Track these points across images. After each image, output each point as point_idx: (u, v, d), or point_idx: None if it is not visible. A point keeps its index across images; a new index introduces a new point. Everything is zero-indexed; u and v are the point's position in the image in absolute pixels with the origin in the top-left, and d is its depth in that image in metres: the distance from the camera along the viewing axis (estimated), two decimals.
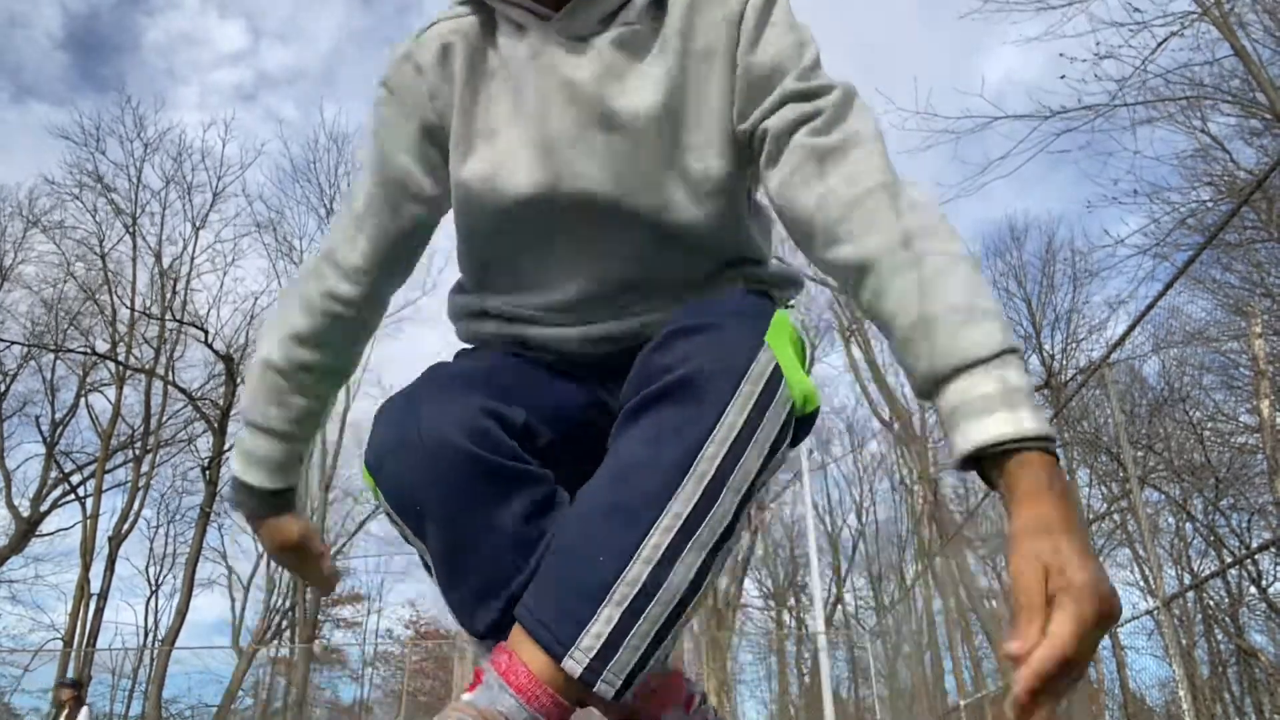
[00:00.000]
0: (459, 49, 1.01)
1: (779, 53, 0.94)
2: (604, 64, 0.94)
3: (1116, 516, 20.47)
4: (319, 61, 38.47)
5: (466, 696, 0.83)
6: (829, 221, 0.87)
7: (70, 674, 17.73)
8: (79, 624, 18.54)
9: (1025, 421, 0.76)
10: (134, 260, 20.87)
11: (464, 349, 1.16)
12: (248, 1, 34.52)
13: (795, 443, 0.94)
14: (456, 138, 1.00)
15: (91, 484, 20.44)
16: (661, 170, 0.95)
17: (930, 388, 0.78)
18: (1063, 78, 10.84)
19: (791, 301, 1.22)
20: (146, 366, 20.63)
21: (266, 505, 1.09)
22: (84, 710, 9.32)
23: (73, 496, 21.29)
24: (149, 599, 25.38)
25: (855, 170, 0.87)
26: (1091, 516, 21.22)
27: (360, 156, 1.08)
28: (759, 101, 0.94)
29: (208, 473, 20.26)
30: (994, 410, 0.74)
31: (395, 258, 1.11)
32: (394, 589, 37.59)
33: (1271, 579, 15.38)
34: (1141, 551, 19.79)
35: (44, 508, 20.92)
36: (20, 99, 34.10)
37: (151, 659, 19.95)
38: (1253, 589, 15.54)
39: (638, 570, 0.80)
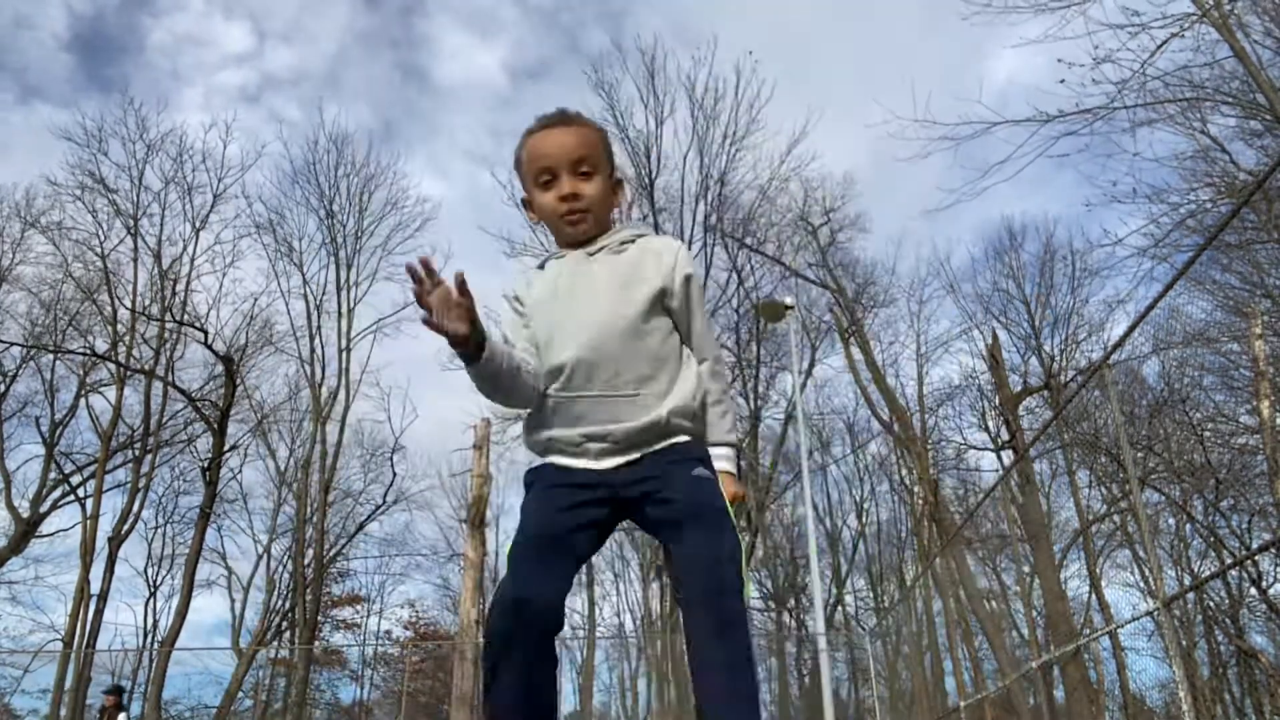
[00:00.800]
0: (530, 278, 1.89)
1: (679, 280, 1.80)
2: (608, 268, 1.79)
3: (1116, 518, 20.47)
4: (323, 62, 38.47)
5: None
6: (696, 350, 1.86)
7: (68, 677, 17.75)
8: (79, 625, 18.52)
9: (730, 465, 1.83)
10: (134, 261, 20.87)
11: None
12: (252, 2, 34.54)
13: None
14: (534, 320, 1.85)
15: (91, 485, 20.43)
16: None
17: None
18: (1062, 81, 10.84)
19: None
20: (146, 367, 20.62)
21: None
22: (122, 716, 9.44)
23: (72, 497, 21.29)
24: (148, 600, 25.40)
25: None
26: (1091, 517, 21.24)
27: (503, 316, 1.90)
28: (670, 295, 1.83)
29: (207, 473, 20.24)
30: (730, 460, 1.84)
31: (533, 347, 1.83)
32: (394, 590, 37.64)
33: (1272, 580, 15.37)
34: (1141, 552, 19.79)
35: (44, 508, 20.91)
36: (25, 100, 34.10)
37: (151, 660, 19.94)
38: (1253, 590, 15.53)
39: None
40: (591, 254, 1.77)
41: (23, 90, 33.08)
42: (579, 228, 1.76)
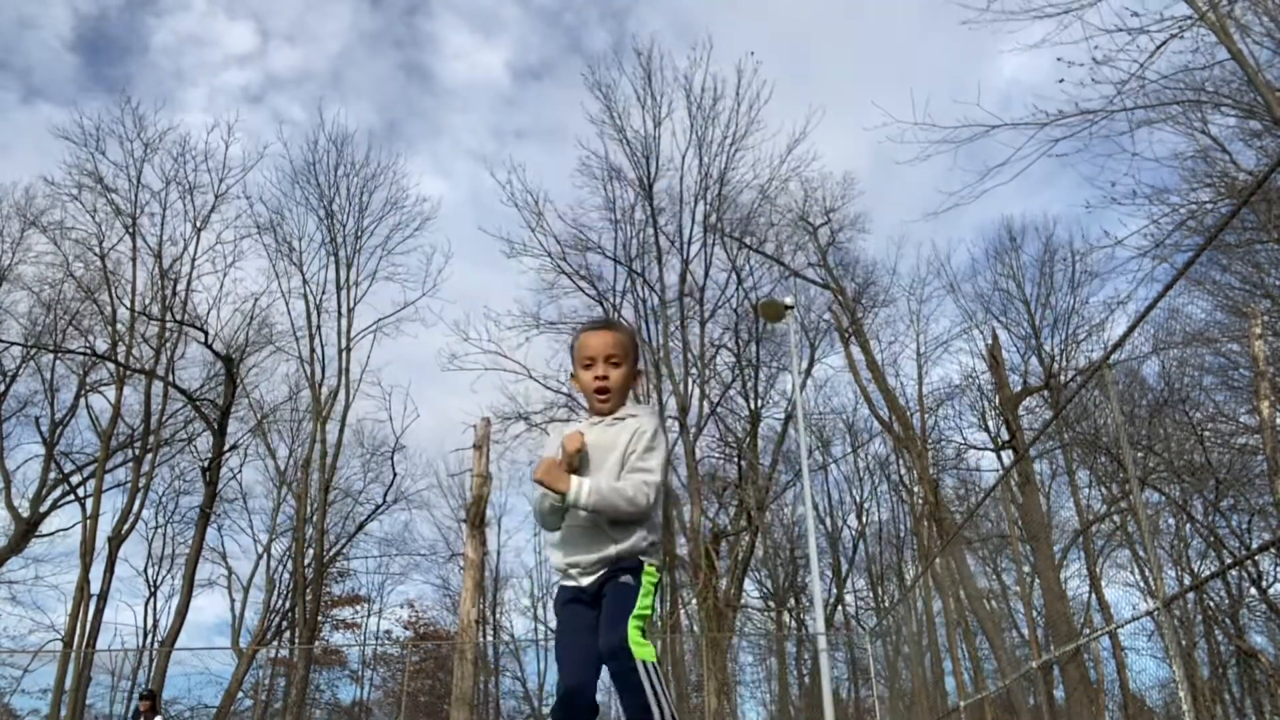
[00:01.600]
0: (559, 429, 2.53)
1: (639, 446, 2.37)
2: (609, 433, 2.41)
3: (1116, 517, 20.47)
4: (327, 62, 38.46)
5: None
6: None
7: (68, 677, 17.74)
8: (79, 625, 18.52)
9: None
10: (134, 261, 20.88)
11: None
12: (256, 2, 34.50)
13: None
14: None
15: (91, 484, 20.43)
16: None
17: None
18: (1061, 81, 10.84)
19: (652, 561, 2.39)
20: (146, 367, 20.63)
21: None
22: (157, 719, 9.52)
23: (72, 497, 21.29)
24: (148, 599, 25.41)
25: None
26: (1091, 517, 21.25)
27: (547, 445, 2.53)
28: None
29: (207, 473, 20.25)
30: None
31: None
32: (394, 590, 37.64)
33: (1271, 580, 15.39)
34: (1141, 552, 19.80)
35: (44, 508, 20.91)
36: (29, 100, 34.11)
37: (151, 660, 19.95)
38: (1253, 590, 15.55)
39: None
40: (595, 424, 2.46)
41: (27, 90, 33.10)
42: (605, 405, 2.48)
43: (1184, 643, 15.92)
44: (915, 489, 22.78)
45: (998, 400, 20.61)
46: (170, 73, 33.20)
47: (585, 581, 2.34)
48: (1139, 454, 15.11)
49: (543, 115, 43.63)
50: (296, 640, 20.11)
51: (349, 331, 21.53)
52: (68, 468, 21.59)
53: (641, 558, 2.35)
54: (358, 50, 38.76)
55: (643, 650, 2.18)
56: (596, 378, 2.47)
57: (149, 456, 20.87)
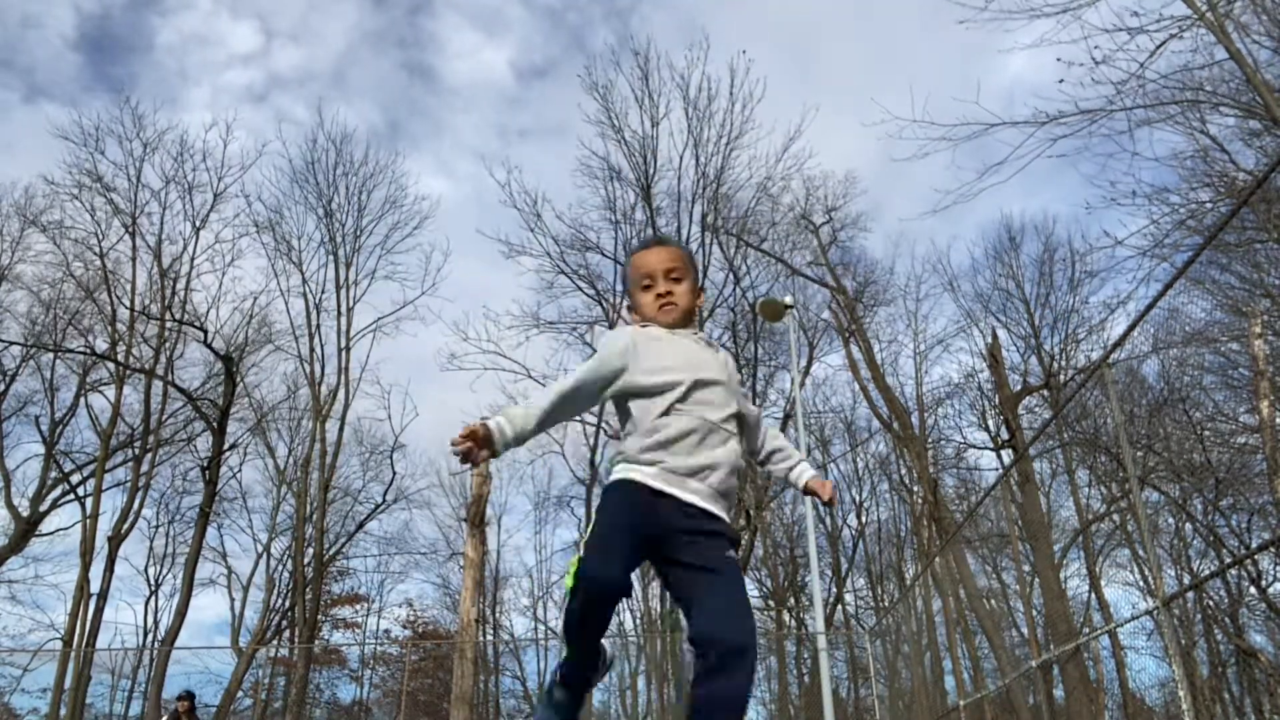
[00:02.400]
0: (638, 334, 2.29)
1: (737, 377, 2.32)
2: (708, 352, 2.26)
3: (1116, 516, 20.48)
4: (330, 62, 38.43)
5: None
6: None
7: (68, 676, 17.74)
8: (79, 624, 18.52)
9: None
10: (133, 260, 20.88)
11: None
12: (260, 2, 34.44)
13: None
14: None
15: (91, 484, 20.43)
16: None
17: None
18: (1061, 81, 10.85)
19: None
20: (146, 366, 20.63)
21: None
22: None
23: (72, 496, 21.29)
24: (148, 599, 25.42)
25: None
26: (1091, 516, 21.25)
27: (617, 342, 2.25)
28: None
29: (207, 472, 20.24)
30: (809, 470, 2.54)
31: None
32: (393, 589, 37.66)
33: (1271, 579, 15.39)
34: (1141, 551, 19.80)
35: (43, 507, 20.91)
36: (32, 99, 34.10)
37: (151, 659, 19.94)
38: (1252, 589, 15.55)
39: None
40: (677, 334, 2.25)
41: (29, 90, 33.07)
42: (669, 315, 2.25)
43: (1183, 642, 15.92)
44: (915, 488, 22.79)
45: (997, 399, 20.61)
46: (174, 72, 33.16)
47: (699, 501, 2.06)
48: (1139, 453, 15.12)
49: (546, 114, 43.65)
50: (296, 639, 20.11)
51: (348, 330, 21.54)
52: (68, 467, 21.60)
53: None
54: (361, 49, 38.74)
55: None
56: (659, 295, 2.24)
57: (149, 456, 20.87)
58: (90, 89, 35.24)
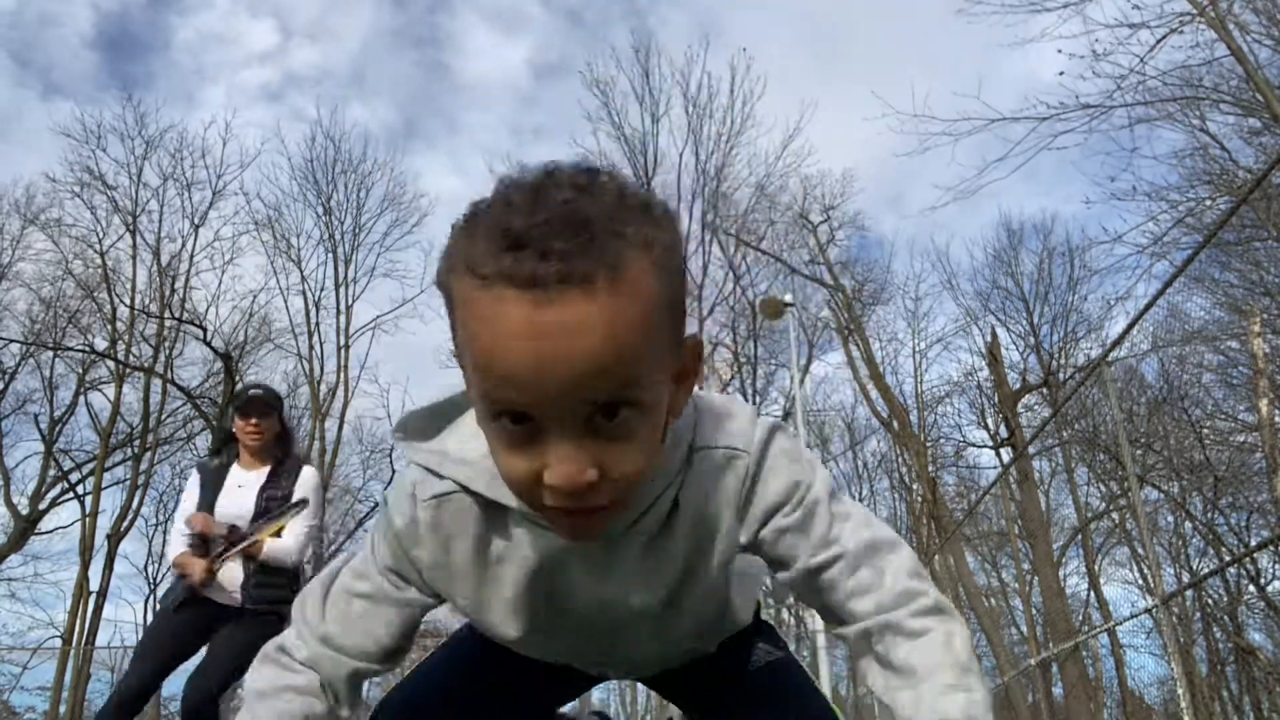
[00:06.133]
0: None
1: None
2: None
3: (1115, 515, 20.48)
4: (347, 60, 38.27)
5: None
6: None
7: (68, 674, 17.75)
8: (78, 622, 18.54)
9: None
10: (133, 258, 20.85)
11: None
12: (279, 0, 34.26)
13: None
14: None
15: (90, 482, 20.44)
16: None
17: None
18: (1061, 74, 10.87)
19: None
20: (145, 364, 20.62)
21: None
22: None
23: (72, 494, 21.28)
24: (148, 597, 25.37)
25: None
26: (1090, 515, 21.25)
27: None
28: None
29: None
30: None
31: None
32: None
33: (1270, 577, 15.40)
34: (1140, 550, 19.80)
35: (43, 506, 20.90)
36: (48, 97, 34.06)
37: None
38: (1251, 587, 15.56)
39: None
40: None
41: (45, 88, 33.02)
42: None
43: (1182, 640, 15.93)
44: (914, 486, 22.79)
45: (997, 398, 20.62)
46: (191, 70, 32.97)
47: None
48: (1138, 451, 15.13)
49: (563, 112, 43.66)
50: None
51: (348, 328, 21.55)
52: (67, 465, 21.58)
53: None
54: (378, 48, 38.63)
55: None
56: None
57: (148, 454, 20.87)
58: (106, 88, 35.10)
